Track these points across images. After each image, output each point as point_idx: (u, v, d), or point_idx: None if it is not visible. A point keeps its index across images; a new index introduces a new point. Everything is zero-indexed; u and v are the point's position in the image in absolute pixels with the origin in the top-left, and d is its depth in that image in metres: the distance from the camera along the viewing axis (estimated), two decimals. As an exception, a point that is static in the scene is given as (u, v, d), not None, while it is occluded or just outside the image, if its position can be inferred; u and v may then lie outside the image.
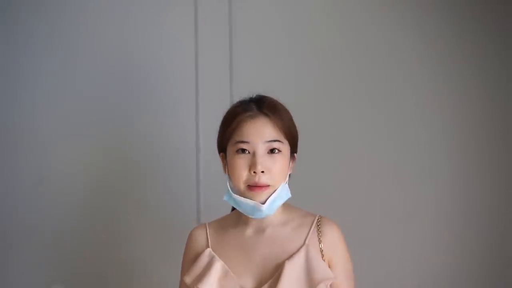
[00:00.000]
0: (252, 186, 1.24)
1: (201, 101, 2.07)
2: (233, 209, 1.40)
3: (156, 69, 2.11)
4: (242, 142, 1.25)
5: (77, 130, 2.12)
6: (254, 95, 1.33)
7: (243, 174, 1.24)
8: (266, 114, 1.27)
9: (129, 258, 2.10)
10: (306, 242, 1.28)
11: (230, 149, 1.27)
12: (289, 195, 1.29)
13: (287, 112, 1.31)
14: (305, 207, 1.39)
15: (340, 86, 2.05)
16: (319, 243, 1.28)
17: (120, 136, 2.11)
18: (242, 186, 1.25)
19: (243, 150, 1.25)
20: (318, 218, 1.32)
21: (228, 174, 1.29)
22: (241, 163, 1.24)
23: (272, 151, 1.25)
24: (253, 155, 1.24)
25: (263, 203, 1.24)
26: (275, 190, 1.25)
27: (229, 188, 1.29)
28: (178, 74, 2.10)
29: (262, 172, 1.23)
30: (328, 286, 1.26)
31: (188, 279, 1.31)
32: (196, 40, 2.08)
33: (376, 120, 2.03)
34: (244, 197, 1.25)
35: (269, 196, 1.24)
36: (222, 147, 1.31)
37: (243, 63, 2.07)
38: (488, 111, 1.99)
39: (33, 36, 2.15)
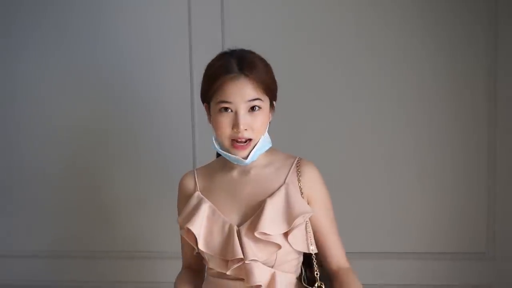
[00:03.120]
0: (235, 143, 1.31)
1: (194, 54, 2.12)
2: (219, 154, 1.48)
3: (150, 26, 2.15)
4: (225, 102, 1.30)
5: (79, 87, 2.21)
6: (236, 49, 1.36)
7: (226, 130, 1.31)
8: (246, 75, 1.30)
9: (127, 203, 2.22)
10: (286, 181, 1.36)
11: (213, 106, 1.33)
12: (270, 145, 1.37)
13: (266, 67, 1.35)
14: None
15: (331, 43, 2.07)
16: (298, 182, 1.37)
17: (118, 89, 2.18)
18: (226, 141, 1.33)
19: (226, 109, 1.30)
20: (298, 160, 1.40)
21: (213, 127, 1.36)
22: (224, 121, 1.31)
23: (252, 108, 1.31)
24: (235, 114, 1.30)
25: (245, 158, 1.33)
26: (256, 144, 1.33)
27: (214, 140, 1.36)
28: (171, 30, 2.14)
29: (245, 130, 1.30)
30: (307, 220, 1.35)
31: (180, 220, 1.40)
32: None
33: (362, 77, 2.06)
34: (228, 152, 1.34)
35: (250, 150, 1.33)
36: (206, 100, 1.37)
37: (235, 17, 2.09)
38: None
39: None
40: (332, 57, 2.07)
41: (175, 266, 1.55)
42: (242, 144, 1.31)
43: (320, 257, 1.40)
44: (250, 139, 1.32)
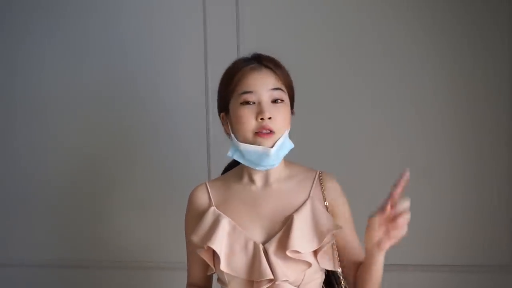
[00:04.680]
0: (260, 133, 1.24)
1: (209, 61, 2.09)
2: (225, 171, 1.45)
3: (164, 32, 2.13)
4: (247, 92, 1.25)
5: (89, 92, 2.19)
6: (251, 54, 1.34)
7: (250, 123, 1.25)
8: (267, 66, 1.29)
9: (138, 215, 2.17)
10: (311, 195, 1.31)
11: (234, 102, 1.28)
12: (292, 145, 1.31)
13: (284, 67, 1.33)
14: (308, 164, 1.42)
15: (346, 50, 2.03)
16: (323, 196, 1.31)
17: (132, 97, 2.15)
18: (250, 135, 1.25)
19: (248, 102, 1.25)
20: (320, 173, 1.35)
21: (232, 129, 1.30)
22: (247, 112, 1.25)
23: (275, 101, 1.26)
24: (259, 104, 1.25)
25: (271, 147, 1.25)
26: (279, 138, 1.26)
27: (235, 141, 1.29)
28: (186, 36, 2.12)
29: (269, 118, 1.24)
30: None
31: (195, 238, 1.30)
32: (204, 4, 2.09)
33: (378, 82, 2.02)
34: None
35: (275, 142, 1.25)
36: (224, 104, 1.32)
37: (250, 24, 2.07)
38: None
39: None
40: (348, 63, 2.03)
41: (182, 277, 1.48)
42: (266, 132, 1.24)
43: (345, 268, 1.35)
44: (273, 132, 1.25)
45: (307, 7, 2.04)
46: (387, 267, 1.94)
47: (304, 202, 1.29)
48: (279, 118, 1.25)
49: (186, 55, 2.11)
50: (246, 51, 1.37)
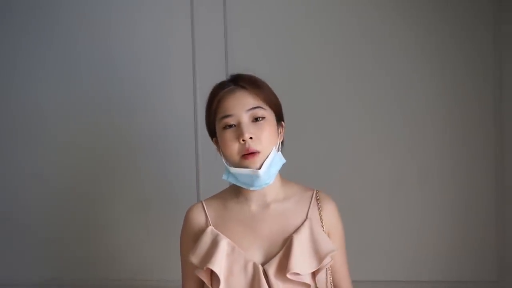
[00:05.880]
0: (245, 155, 1.24)
1: (198, 77, 2.08)
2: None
3: (153, 48, 2.13)
4: (226, 116, 1.26)
5: (76, 110, 2.17)
6: (230, 76, 1.35)
7: (234, 146, 1.25)
8: (243, 87, 1.29)
9: (127, 237, 2.16)
10: (308, 216, 1.32)
11: (218, 127, 1.29)
12: (284, 161, 1.31)
13: (265, 83, 1.33)
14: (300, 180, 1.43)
15: (335, 67, 2.04)
16: (320, 217, 1.33)
17: (118, 116, 2.15)
18: (236, 158, 1.26)
19: (230, 125, 1.26)
20: (317, 193, 1.36)
21: (222, 153, 1.31)
22: (229, 136, 1.26)
23: (256, 119, 1.26)
24: (239, 125, 1.25)
25: (259, 169, 1.25)
26: (267, 156, 1.26)
27: (226, 165, 1.30)
28: (174, 51, 2.11)
29: (251, 138, 1.24)
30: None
31: (194, 260, 1.30)
32: (192, 20, 2.10)
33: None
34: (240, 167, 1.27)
35: (263, 162, 1.25)
36: (212, 130, 1.34)
37: (238, 42, 2.06)
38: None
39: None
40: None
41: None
42: (252, 153, 1.24)
43: None
44: (259, 152, 1.25)
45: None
46: (371, 283, 1.99)
47: (303, 223, 1.30)
48: (263, 136, 1.25)
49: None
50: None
